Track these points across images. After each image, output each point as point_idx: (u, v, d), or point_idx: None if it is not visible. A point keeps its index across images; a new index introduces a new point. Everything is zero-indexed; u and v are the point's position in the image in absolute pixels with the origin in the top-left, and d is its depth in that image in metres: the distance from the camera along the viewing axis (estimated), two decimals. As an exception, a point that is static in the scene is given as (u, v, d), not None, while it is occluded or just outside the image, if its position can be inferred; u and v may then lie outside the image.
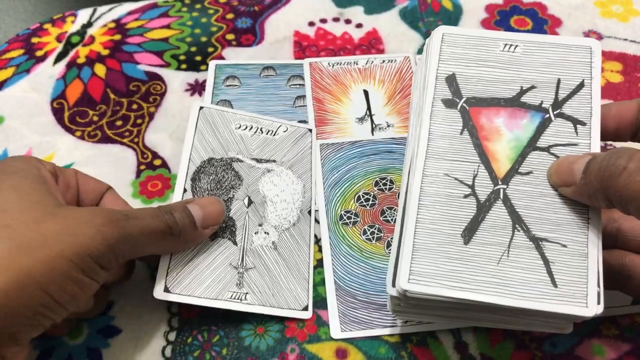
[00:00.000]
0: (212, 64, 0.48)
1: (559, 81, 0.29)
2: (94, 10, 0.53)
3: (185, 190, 0.37)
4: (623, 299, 0.34)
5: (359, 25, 0.52)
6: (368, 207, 0.39)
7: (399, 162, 0.41)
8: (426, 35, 0.51)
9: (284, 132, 0.41)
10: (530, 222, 0.26)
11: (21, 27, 0.56)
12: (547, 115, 0.28)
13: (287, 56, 0.49)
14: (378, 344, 0.33)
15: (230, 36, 0.51)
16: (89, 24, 0.52)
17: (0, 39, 0.54)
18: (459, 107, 0.29)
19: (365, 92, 0.46)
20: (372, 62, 0.48)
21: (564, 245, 0.26)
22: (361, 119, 0.44)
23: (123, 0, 0.55)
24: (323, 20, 0.52)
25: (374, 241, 0.38)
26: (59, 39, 0.50)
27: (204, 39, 0.50)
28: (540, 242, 0.26)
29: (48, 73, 0.48)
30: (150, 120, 0.44)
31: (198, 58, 0.49)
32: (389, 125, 0.43)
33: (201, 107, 0.41)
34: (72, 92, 0.46)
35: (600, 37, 0.50)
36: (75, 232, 0.26)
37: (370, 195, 0.40)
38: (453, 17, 0.52)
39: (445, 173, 0.27)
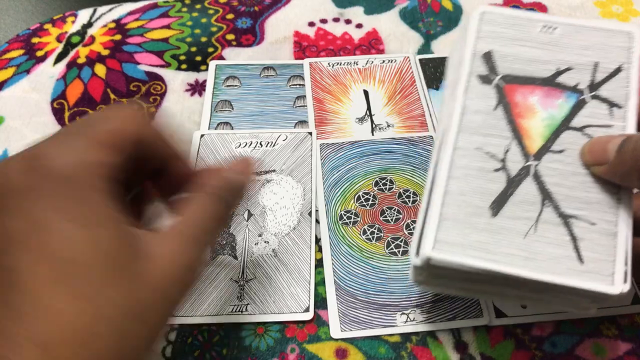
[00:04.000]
0: (212, 64, 0.48)
1: (596, 64, 0.29)
2: (94, 11, 0.53)
3: None
4: (623, 299, 0.34)
5: (359, 26, 0.52)
6: (368, 207, 0.39)
7: (399, 162, 0.41)
8: (426, 35, 0.51)
9: (284, 140, 0.42)
10: (560, 199, 0.27)
11: (21, 27, 0.56)
12: (583, 97, 0.29)
13: (287, 56, 0.49)
14: (378, 343, 0.33)
15: (230, 36, 0.51)
16: (89, 24, 0.52)
17: (0, 39, 0.54)
18: (494, 84, 0.29)
19: (365, 92, 0.46)
20: (372, 62, 0.48)
21: (593, 223, 0.26)
22: (361, 119, 0.44)
23: (123, 1, 0.55)
24: (323, 21, 0.52)
25: (373, 241, 0.38)
26: (59, 39, 0.50)
27: (204, 39, 0.50)
28: (569, 219, 0.26)
29: (48, 73, 0.48)
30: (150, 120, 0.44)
31: (198, 58, 0.49)
32: (389, 125, 0.43)
33: (202, 135, 0.42)
34: (73, 92, 0.46)
35: None
36: (155, 301, 0.21)
37: (370, 195, 0.40)
38: (453, 17, 0.52)
39: (477, 147, 0.28)
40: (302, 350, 0.33)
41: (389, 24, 0.52)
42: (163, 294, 0.21)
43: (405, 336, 0.34)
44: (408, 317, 0.34)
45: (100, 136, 0.22)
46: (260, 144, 0.41)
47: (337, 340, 0.34)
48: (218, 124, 0.43)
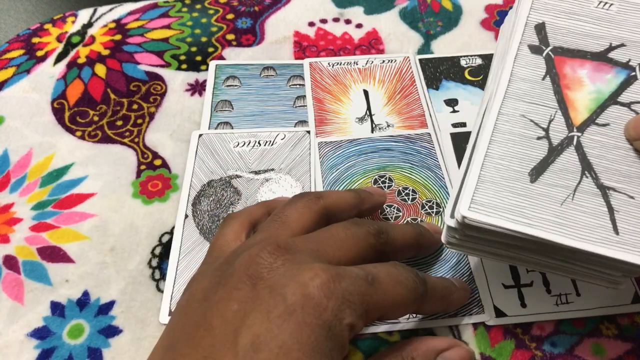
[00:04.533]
0: (213, 64, 0.48)
1: None
2: (95, 11, 0.53)
3: (186, 216, 0.37)
4: (623, 299, 0.34)
5: (359, 26, 0.52)
6: (368, 207, 0.39)
7: (397, 159, 0.41)
8: (426, 35, 0.51)
9: (282, 139, 0.42)
10: (600, 171, 0.27)
11: (21, 27, 0.56)
12: (633, 73, 0.29)
13: (287, 56, 0.49)
14: (378, 343, 0.33)
15: (230, 36, 0.51)
16: (89, 24, 0.52)
17: (1, 39, 0.54)
18: (544, 54, 0.29)
19: (365, 92, 0.46)
20: (372, 62, 0.48)
21: (632, 197, 0.26)
22: (361, 119, 0.44)
23: (123, 1, 0.55)
24: (323, 21, 0.52)
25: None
26: (59, 39, 0.50)
27: (204, 39, 0.50)
28: (607, 191, 0.26)
29: (48, 73, 0.48)
30: (150, 120, 0.44)
31: (198, 58, 0.49)
32: (389, 125, 0.43)
33: (200, 135, 0.42)
34: (73, 92, 0.46)
35: None
36: None
37: (370, 195, 0.40)
38: (453, 17, 0.52)
39: (522, 114, 0.28)
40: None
41: (389, 24, 0.52)
42: None
43: (405, 336, 0.34)
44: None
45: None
46: (259, 143, 0.41)
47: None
48: (218, 124, 0.43)
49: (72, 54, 0.49)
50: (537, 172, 0.26)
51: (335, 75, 0.47)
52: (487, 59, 0.48)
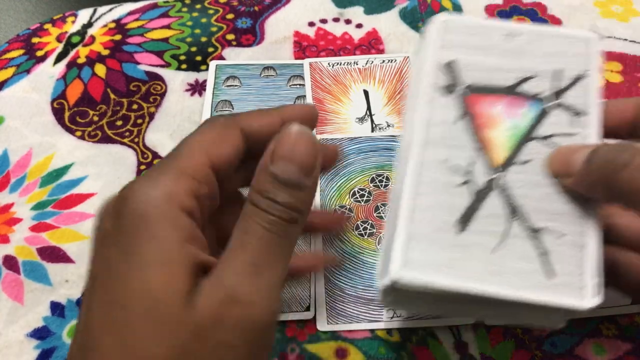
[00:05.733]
0: (213, 64, 0.48)
1: (559, 72, 0.29)
2: (94, 11, 0.53)
3: None
4: (623, 299, 0.34)
5: (359, 26, 0.52)
6: (362, 203, 0.39)
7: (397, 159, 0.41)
8: (426, 35, 0.51)
9: None
10: (528, 211, 0.26)
11: (21, 27, 0.56)
12: (547, 105, 0.28)
13: (287, 56, 0.49)
14: (378, 343, 0.33)
15: (230, 36, 0.51)
16: (89, 24, 0.52)
17: (0, 39, 0.54)
18: (456, 94, 0.28)
19: (365, 92, 0.46)
20: (372, 62, 0.48)
21: (562, 235, 0.25)
22: (361, 119, 0.44)
23: (123, 1, 0.55)
24: (323, 21, 0.52)
25: (366, 237, 0.38)
26: (59, 39, 0.50)
27: (204, 39, 0.50)
28: (537, 232, 0.25)
29: (48, 73, 0.48)
30: (150, 120, 0.44)
31: (198, 58, 0.49)
32: (389, 125, 0.43)
33: None
34: (73, 92, 0.46)
35: (600, 37, 0.50)
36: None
37: (365, 192, 0.40)
38: (453, 17, 0.52)
39: (441, 160, 0.27)
40: (302, 350, 0.33)
41: (389, 24, 0.52)
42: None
43: (405, 336, 0.34)
44: (395, 312, 0.34)
45: (183, 169, 0.22)
46: None
47: (337, 340, 0.34)
48: (218, 124, 0.43)
49: (72, 54, 0.49)
50: (464, 221, 0.25)
51: (335, 75, 0.47)
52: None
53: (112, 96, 0.46)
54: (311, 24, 0.52)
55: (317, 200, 0.39)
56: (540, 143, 0.27)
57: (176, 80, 0.47)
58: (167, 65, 0.48)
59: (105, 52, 0.49)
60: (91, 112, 0.45)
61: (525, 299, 0.24)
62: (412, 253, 0.25)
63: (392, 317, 0.34)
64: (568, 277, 0.24)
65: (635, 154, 0.23)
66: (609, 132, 0.29)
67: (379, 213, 0.39)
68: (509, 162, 0.27)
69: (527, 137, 0.27)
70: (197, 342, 0.20)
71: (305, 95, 0.45)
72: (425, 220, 0.25)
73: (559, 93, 0.28)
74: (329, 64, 0.48)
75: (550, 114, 0.28)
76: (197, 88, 0.46)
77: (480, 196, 0.26)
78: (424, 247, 0.25)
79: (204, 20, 0.52)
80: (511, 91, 0.28)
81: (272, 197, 0.22)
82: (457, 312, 0.28)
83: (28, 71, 0.48)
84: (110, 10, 0.53)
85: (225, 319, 0.20)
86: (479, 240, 0.25)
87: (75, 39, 0.50)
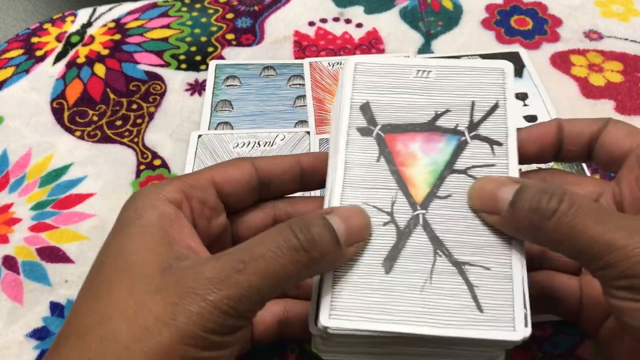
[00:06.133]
0: (212, 63, 0.48)
1: (473, 104, 0.29)
2: (94, 10, 0.53)
3: None
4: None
5: (359, 25, 0.52)
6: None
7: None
8: (426, 35, 0.51)
9: (282, 140, 0.41)
10: (452, 246, 0.26)
11: (21, 27, 0.56)
12: (463, 138, 0.28)
13: (287, 56, 0.49)
14: (378, 344, 0.33)
15: (230, 36, 0.50)
16: (88, 24, 0.52)
17: (0, 39, 0.54)
18: (374, 135, 0.28)
19: (366, 92, 0.46)
20: (372, 62, 0.48)
21: (487, 268, 0.25)
22: (361, 119, 0.44)
23: (123, 0, 0.55)
24: (323, 20, 0.52)
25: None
26: (58, 38, 0.50)
27: (203, 38, 0.50)
28: (463, 267, 0.25)
29: (48, 73, 0.48)
30: (150, 120, 0.44)
31: (198, 58, 0.49)
32: (389, 125, 0.43)
33: (199, 136, 0.42)
34: (72, 92, 0.46)
35: (600, 36, 0.50)
36: (177, 314, 0.22)
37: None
38: (453, 17, 0.52)
39: (363, 202, 0.27)
40: (302, 351, 0.33)
41: (389, 24, 0.52)
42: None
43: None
44: None
45: (182, 178, 0.27)
46: (258, 143, 0.41)
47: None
48: (218, 124, 0.43)
49: (71, 53, 0.49)
50: (390, 261, 0.25)
51: (335, 75, 0.47)
52: (488, 58, 0.48)
53: (112, 96, 0.46)
54: (311, 24, 0.52)
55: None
56: (460, 176, 0.27)
57: (176, 80, 0.47)
58: (166, 65, 0.48)
59: (105, 52, 0.49)
60: (91, 112, 0.45)
61: (456, 336, 0.24)
62: (340, 300, 0.25)
63: None
64: (498, 311, 0.24)
65: (561, 201, 0.23)
66: (534, 158, 0.29)
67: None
68: (430, 198, 0.27)
69: (446, 171, 0.27)
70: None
71: (305, 95, 0.45)
72: (351, 264, 0.25)
73: (475, 125, 0.28)
74: (329, 63, 0.48)
75: (468, 147, 0.28)
76: (197, 88, 0.46)
77: (404, 235, 0.26)
78: (352, 292, 0.25)
79: (203, 19, 0.52)
80: (428, 127, 0.29)
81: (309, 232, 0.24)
82: (392, 355, 0.27)
83: (27, 71, 0.48)
84: (110, 9, 0.53)
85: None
86: (406, 280, 0.25)
87: (74, 39, 0.50)
